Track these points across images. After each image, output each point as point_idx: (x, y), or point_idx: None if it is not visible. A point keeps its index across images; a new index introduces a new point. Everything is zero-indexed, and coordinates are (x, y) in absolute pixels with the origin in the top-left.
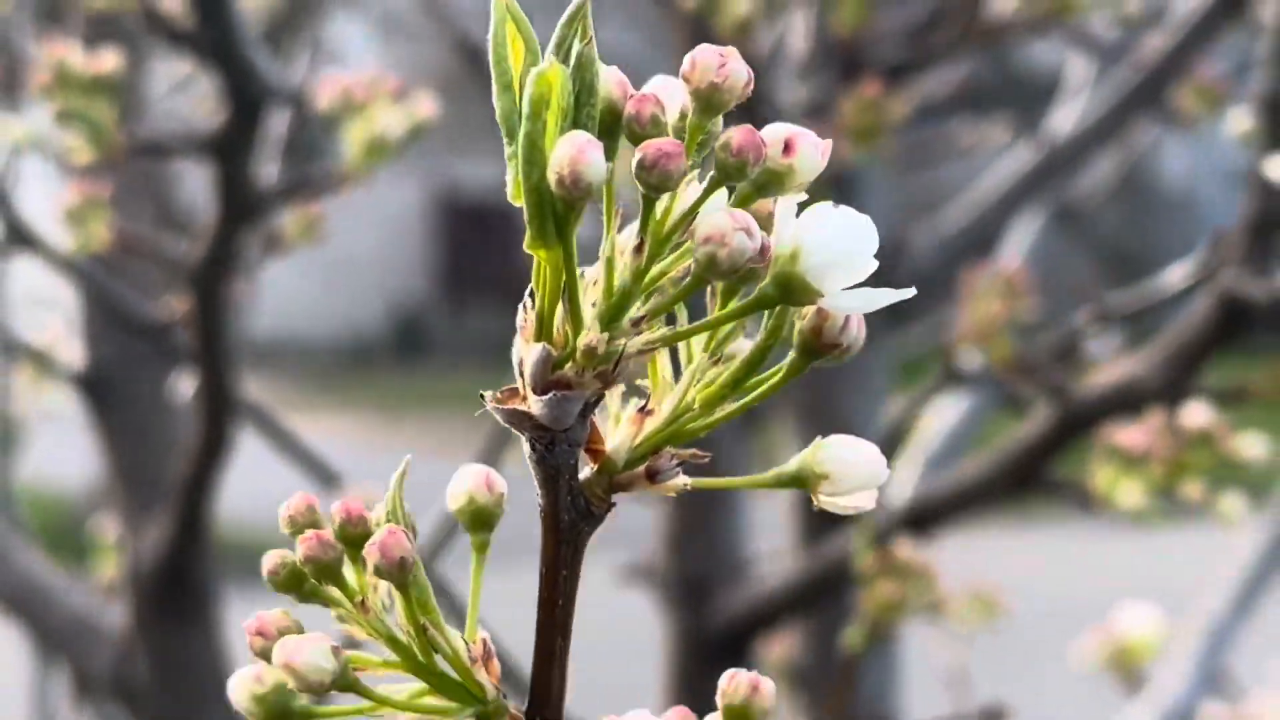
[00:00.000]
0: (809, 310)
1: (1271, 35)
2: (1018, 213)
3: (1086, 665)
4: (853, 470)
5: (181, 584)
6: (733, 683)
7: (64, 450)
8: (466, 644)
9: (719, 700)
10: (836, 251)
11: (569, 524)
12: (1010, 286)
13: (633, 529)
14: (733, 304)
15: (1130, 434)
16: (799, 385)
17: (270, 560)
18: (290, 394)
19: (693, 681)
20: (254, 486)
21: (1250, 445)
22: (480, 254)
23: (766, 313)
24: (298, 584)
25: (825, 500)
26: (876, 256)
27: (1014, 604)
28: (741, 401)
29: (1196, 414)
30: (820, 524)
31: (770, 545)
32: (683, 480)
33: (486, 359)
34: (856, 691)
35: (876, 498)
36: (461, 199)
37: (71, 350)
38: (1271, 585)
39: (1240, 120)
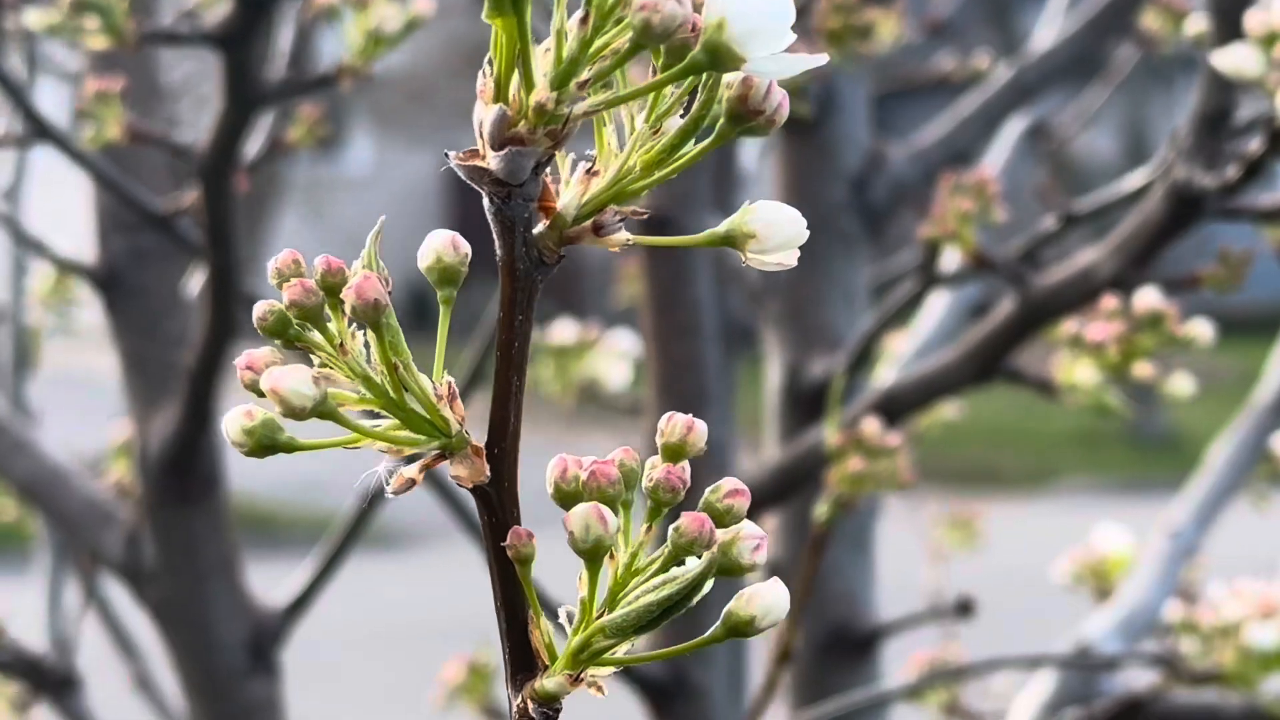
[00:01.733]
0: (735, 80)
1: None
2: (994, 129)
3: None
4: (776, 230)
5: (189, 470)
6: (670, 422)
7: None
8: (434, 384)
9: (657, 441)
10: (757, 21)
11: (524, 272)
12: (980, 188)
13: None
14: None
15: (1091, 328)
16: (784, 303)
17: (260, 309)
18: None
19: None
20: (260, 463)
21: (1199, 329)
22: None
23: (700, 87)
24: (284, 328)
25: (753, 258)
26: (850, 173)
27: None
28: (676, 164)
29: (1148, 297)
30: (798, 422)
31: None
32: (624, 235)
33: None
34: (833, 591)
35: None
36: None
37: (85, 251)
38: (1234, 495)
39: (1195, 24)
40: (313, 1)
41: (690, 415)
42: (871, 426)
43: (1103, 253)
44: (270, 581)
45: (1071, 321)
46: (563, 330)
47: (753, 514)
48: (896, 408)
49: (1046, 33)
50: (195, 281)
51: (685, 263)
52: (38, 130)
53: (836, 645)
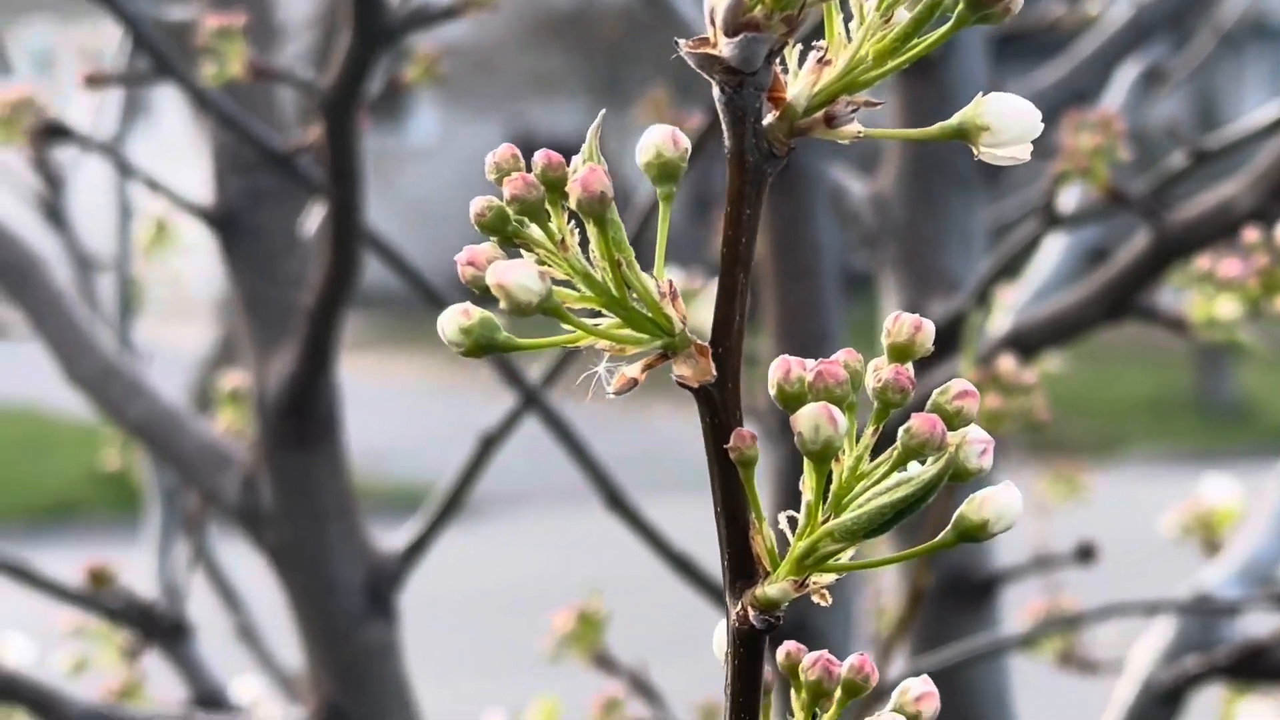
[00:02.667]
0: None
1: None
2: (1112, 70)
3: (1170, 534)
4: (1011, 122)
5: (307, 411)
6: (897, 321)
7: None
8: (656, 282)
9: (883, 340)
10: None
11: (753, 165)
12: (1106, 124)
13: None
14: None
15: (1225, 264)
16: (903, 245)
17: (477, 204)
18: (364, 335)
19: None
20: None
21: None
22: None
23: None
24: (503, 225)
25: (985, 151)
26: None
27: None
28: (909, 53)
29: None
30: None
31: None
32: (856, 126)
33: None
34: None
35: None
36: (537, 143)
37: (200, 191)
38: None
39: None
40: None
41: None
42: (1008, 363)
43: (1241, 185)
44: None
45: (1206, 257)
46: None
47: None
48: (1026, 346)
49: None
50: (313, 221)
51: (804, 204)
52: (158, 66)
53: (955, 591)
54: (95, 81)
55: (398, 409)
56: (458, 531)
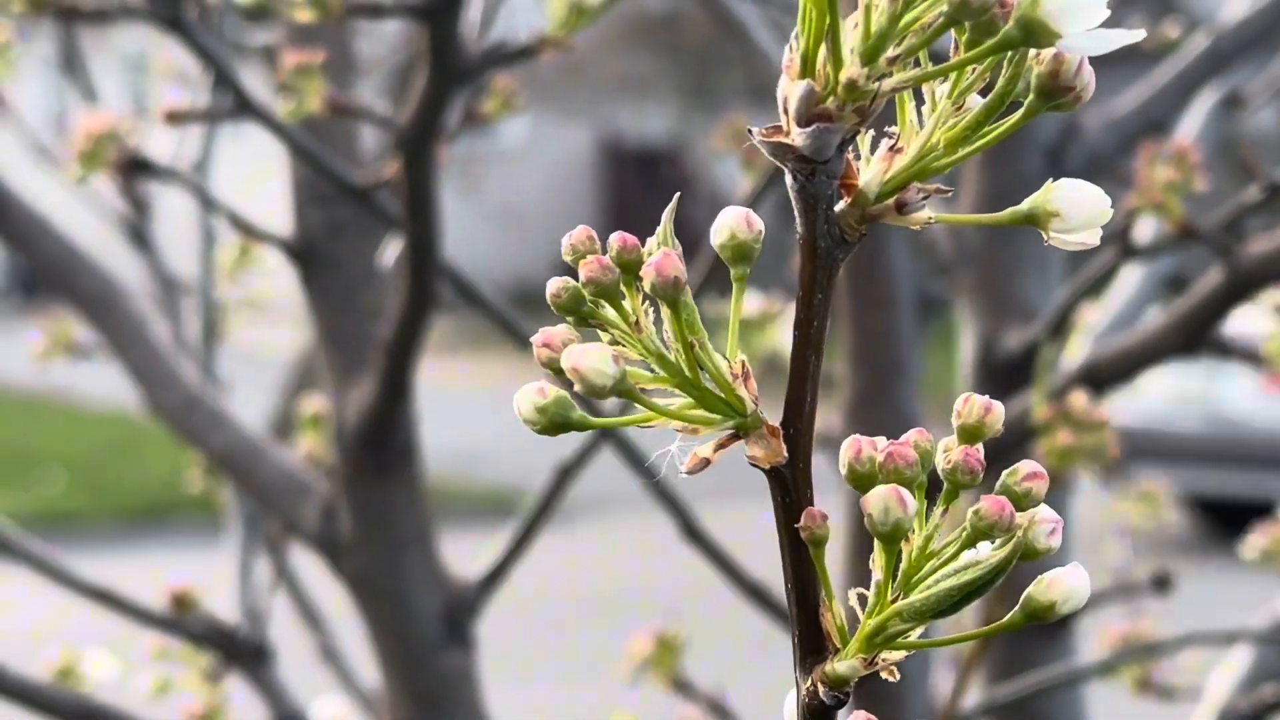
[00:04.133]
0: (1046, 56)
1: None
2: (1189, 98)
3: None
4: (1081, 208)
5: (385, 441)
6: (967, 404)
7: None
8: (729, 363)
9: (953, 422)
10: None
11: (825, 250)
12: (1182, 158)
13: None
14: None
15: None
16: (978, 274)
17: (553, 285)
18: (458, 336)
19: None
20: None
21: None
22: (641, 202)
23: (1005, 63)
24: (577, 305)
25: (1055, 237)
26: (1045, 142)
27: None
28: (981, 141)
29: None
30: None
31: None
32: (927, 213)
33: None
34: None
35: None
36: (625, 147)
37: (279, 223)
38: None
39: None
40: None
41: (889, 400)
42: (1080, 399)
43: None
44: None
45: None
46: (746, 302)
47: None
48: (1099, 379)
49: (1239, 2)
50: (390, 253)
51: (881, 234)
52: (241, 104)
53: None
54: (175, 118)
55: (487, 412)
56: (551, 537)
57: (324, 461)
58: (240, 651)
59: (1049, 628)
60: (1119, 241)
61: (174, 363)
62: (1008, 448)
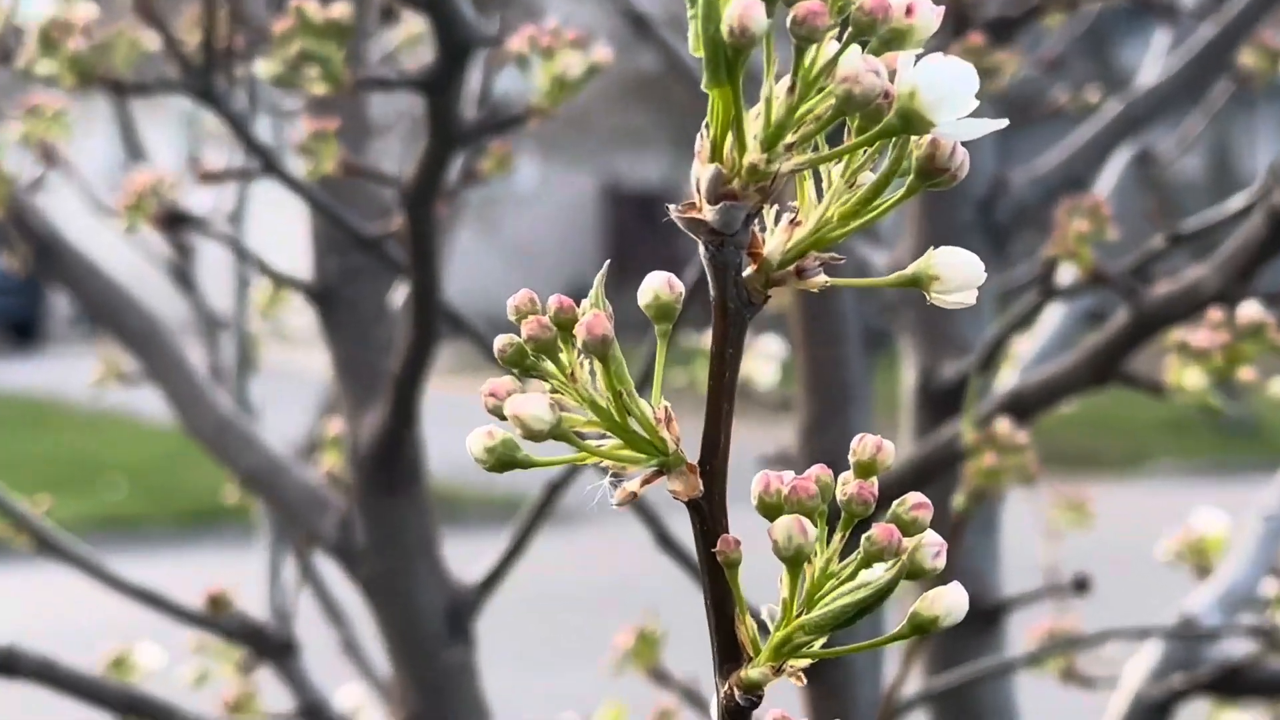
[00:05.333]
0: (924, 141)
1: None
2: (1106, 156)
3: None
4: (957, 272)
5: (394, 462)
6: (862, 442)
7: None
8: (653, 409)
9: (850, 458)
10: (946, 90)
11: (734, 310)
12: (1095, 211)
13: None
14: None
15: (1197, 335)
16: (917, 312)
17: (500, 342)
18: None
19: None
20: (444, 448)
21: None
22: (639, 238)
23: (890, 147)
24: (522, 359)
25: (937, 297)
26: (978, 197)
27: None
28: (871, 215)
29: (1250, 310)
30: (930, 418)
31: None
32: (823, 278)
33: (643, 331)
34: (962, 569)
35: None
36: (624, 190)
37: (302, 269)
38: None
39: None
40: (505, 51)
41: (841, 425)
42: (1004, 426)
43: (1209, 269)
44: (454, 553)
45: (1180, 331)
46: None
47: (889, 501)
48: (1022, 407)
49: (1151, 69)
50: (399, 295)
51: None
52: (264, 165)
53: (965, 618)
54: (209, 178)
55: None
56: (551, 537)
57: (342, 479)
58: (269, 646)
59: (982, 623)
60: (1042, 284)
61: (209, 391)
62: (942, 466)
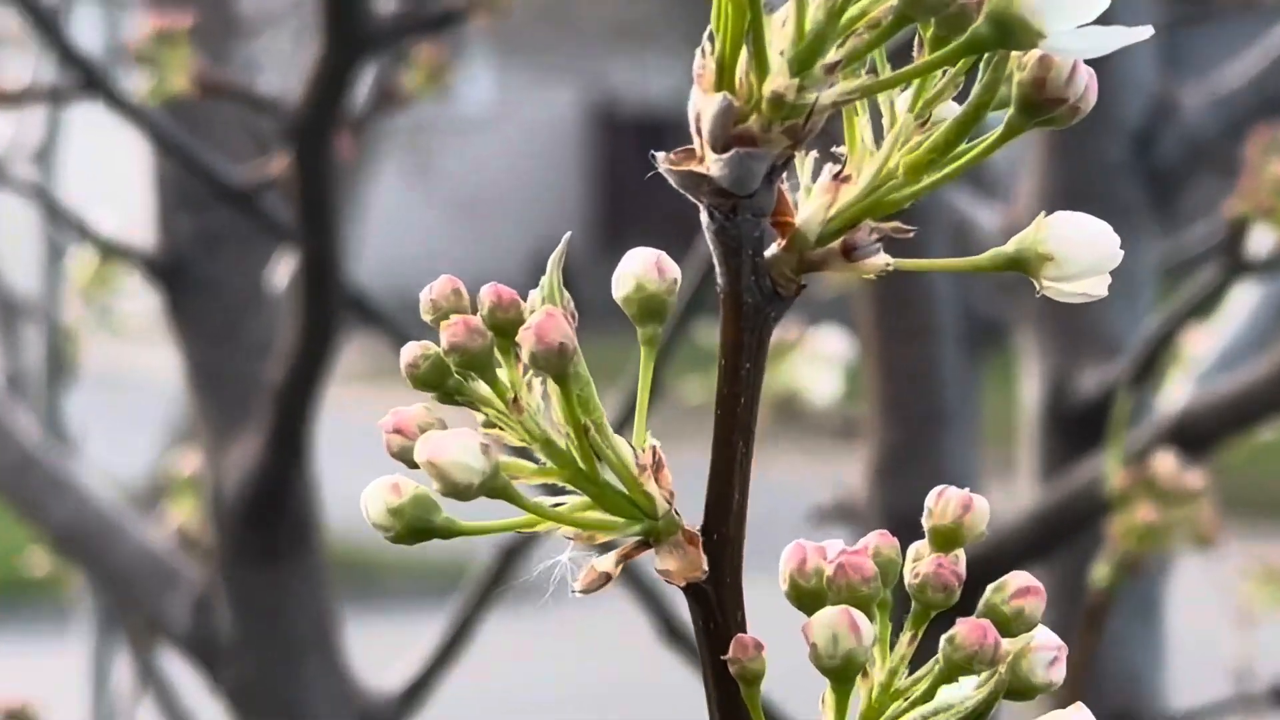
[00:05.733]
0: (1030, 59)
1: None
2: None
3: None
4: (1082, 249)
5: (275, 513)
6: (941, 499)
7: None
8: (634, 450)
9: (925, 523)
10: None
11: (752, 308)
12: None
13: None
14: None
15: None
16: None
17: (409, 352)
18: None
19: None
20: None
21: None
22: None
23: (981, 68)
24: (441, 379)
25: (1050, 286)
26: (1132, 127)
27: None
28: (951, 167)
29: None
30: (1061, 450)
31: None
32: (884, 258)
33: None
34: (1111, 672)
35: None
36: (621, 111)
37: (141, 233)
38: None
39: None
40: None
41: (926, 461)
42: (1166, 463)
43: None
44: (367, 645)
45: None
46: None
47: (1006, 567)
48: (1197, 435)
49: None
50: (282, 271)
51: (917, 245)
52: (83, 80)
53: None
54: (8, 100)
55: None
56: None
57: (199, 540)
58: None
59: None
60: (1228, 253)
61: (3, 411)
62: (1076, 522)
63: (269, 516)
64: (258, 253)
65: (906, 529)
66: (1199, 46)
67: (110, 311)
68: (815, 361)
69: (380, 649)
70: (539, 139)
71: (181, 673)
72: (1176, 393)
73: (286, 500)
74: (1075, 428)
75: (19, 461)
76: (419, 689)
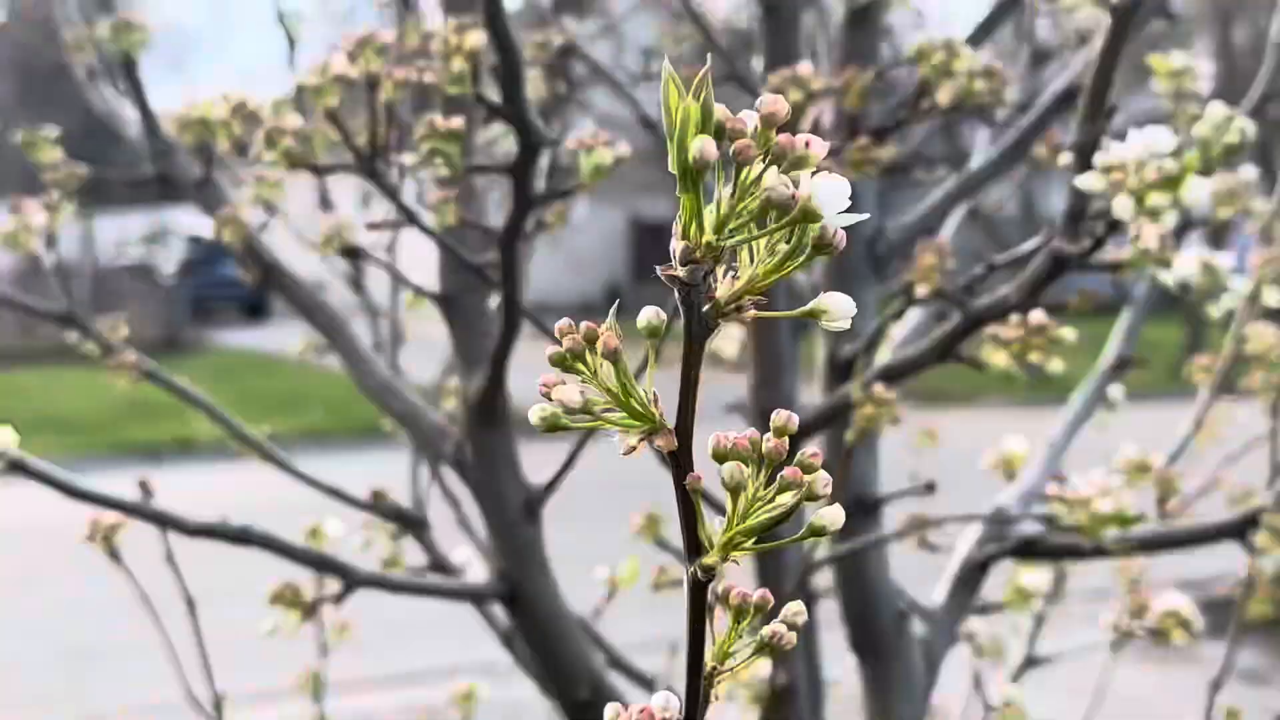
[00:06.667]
0: (815, 226)
1: (1082, 104)
2: (948, 213)
3: (986, 467)
4: (839, 309)
5: (491, 409)
6: (778, 415)
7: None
8: (645, 393)
9: (772, 423)
10: (829, 195)
11: (698, 333)
12: (939, 250)
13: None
14: (779, 224)
15: (1004, 331)
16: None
17: (550, 350)
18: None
19: None
20: (527, 397)
21: (1065, 333)
22: (653, 255)
23: (795, 230)
24: (564, 361)
25: (826, 324)
26: (865, 238)
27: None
28: (784, 271)
29: (1037, 315)
30: (834, 381)
31: (810, 395)
32: (753, 312)
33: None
34: (854, 477)
35: (851, 332)
36: (643, 222)
37: (432, 283)
38: (1087, 421)
39: (1066, 159)
40: (566, 147)
41: (777, 385)
42: (879, 388)
43: (1012, 288)
44: (529, 462)
45: (993, 328)
46: None
47: (809, 434)
48: (891, 376)
49: (978, 157)
50: (494, 302)
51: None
52: (409, 218)
53: (855, 510)
54: (373, 227)
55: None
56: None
57: (457, 418)
58: (411, 523)
59: (866, 513)
60: (905, 295)
61: (372, 359)
62: (841, 412)
63: (488, 409)
64: (485, 292)
65: (765, 419)
66: (896, 201)
67: (420, 314)
68: (728, 339)
69: (534, 466)
70: (606, 232)
71: (450, 476)
72: (883, 356)
73: (496, 401)
74: (840, 372)
75: (381, 384)
76: (553, 484)
